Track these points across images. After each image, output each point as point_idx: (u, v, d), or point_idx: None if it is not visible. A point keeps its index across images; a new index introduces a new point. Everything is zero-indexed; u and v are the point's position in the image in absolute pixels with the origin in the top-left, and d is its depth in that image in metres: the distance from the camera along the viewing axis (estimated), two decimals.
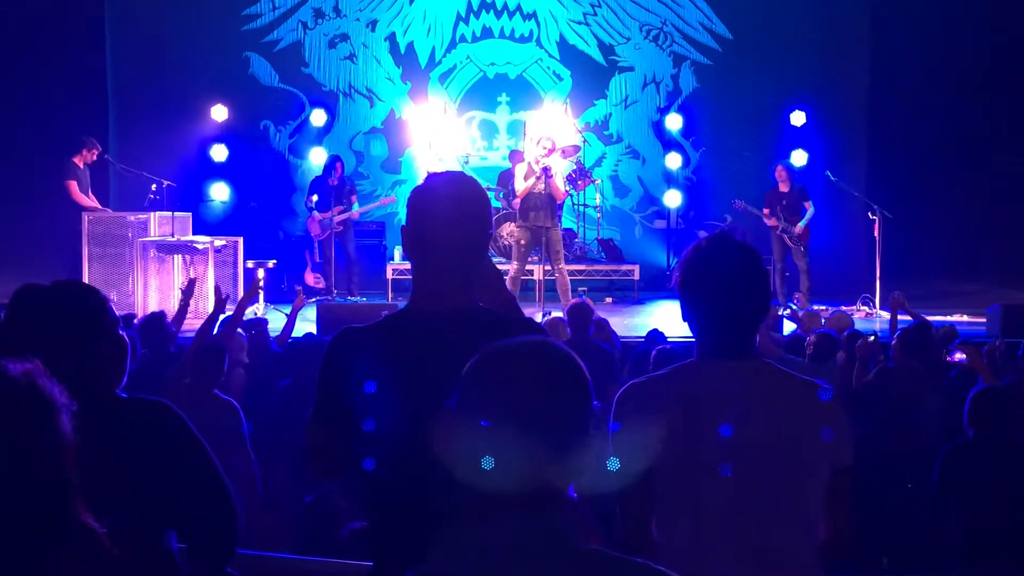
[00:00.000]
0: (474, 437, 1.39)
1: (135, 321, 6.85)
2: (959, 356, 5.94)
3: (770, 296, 2.26)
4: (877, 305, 10.52)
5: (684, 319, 2.24)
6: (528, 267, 10.09)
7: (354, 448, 2.07)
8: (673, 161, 13.25)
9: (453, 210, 2.11)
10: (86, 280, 9.67)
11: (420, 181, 2.24)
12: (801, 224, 10.81)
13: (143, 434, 2.12)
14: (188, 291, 6.62)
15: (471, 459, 1.39)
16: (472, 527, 1.40)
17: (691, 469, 2.09)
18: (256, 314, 9.50)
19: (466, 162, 13.18)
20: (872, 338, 6.55)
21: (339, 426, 2.08)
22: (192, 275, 7.40)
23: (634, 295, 12.00)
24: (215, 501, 2.19)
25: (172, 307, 9.45)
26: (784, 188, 11.00)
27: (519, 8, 13.60)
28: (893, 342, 6.19)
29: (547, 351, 1.46)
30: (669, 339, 6.50)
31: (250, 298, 6.63)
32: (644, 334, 7.31)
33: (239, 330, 6.41)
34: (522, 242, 9.32)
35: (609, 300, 11.85)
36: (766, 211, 10.97)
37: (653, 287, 12.35)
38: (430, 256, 2.13)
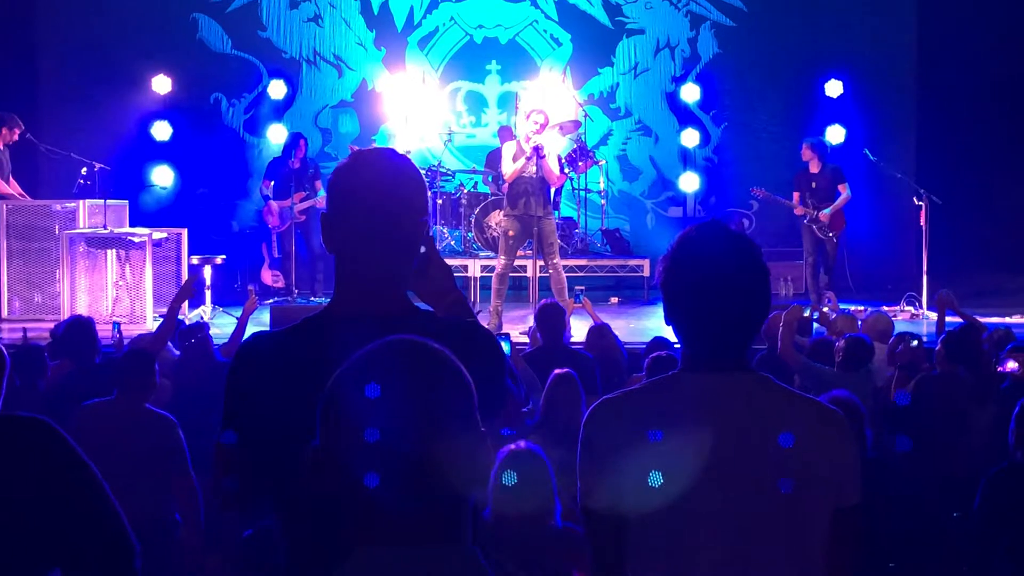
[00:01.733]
0: (346, 471, 1.42)
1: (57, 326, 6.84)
2: (1011, 365, 5.92)
3: (770, 297, 2.23)
4: (924, 304, 10.49)
5: (667, 322, 2.22)
6: (519, 262, 10.07)
7: (266, 476, 2.06)
8: (690, 138, 13.24)
9: (380, 194, 2.09)
10: (5, 280, 9.66)
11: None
12: (827, 211, 10.70)
13: (12, 458, 2.10)
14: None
15: (353, 490, 1.42)
16: (377, 559, 1.42)
17: (669, 502, 2.06)
18: (202, 318, 9.52)
19: (449, 140, 13.18)
20: (915, 343, 6.53)
21: (248, 450, 2.07)
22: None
23: (644, 295, 12.00)
24: (105, 538, 2.17)
25: (104, 310, 9.47)
26: (814, 169, 10.88)
27: None
28: (937, 347, 6.17)
29: (410, 350, 1.49)
30: (678, 347, 6.47)
31: (183, 298, 6.61)
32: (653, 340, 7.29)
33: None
34: (510, 233, 9.30)
35: (614, 300, 11.85)
36: (796, 195, 10.87)
37: None
38: (353, 249, 2.12)
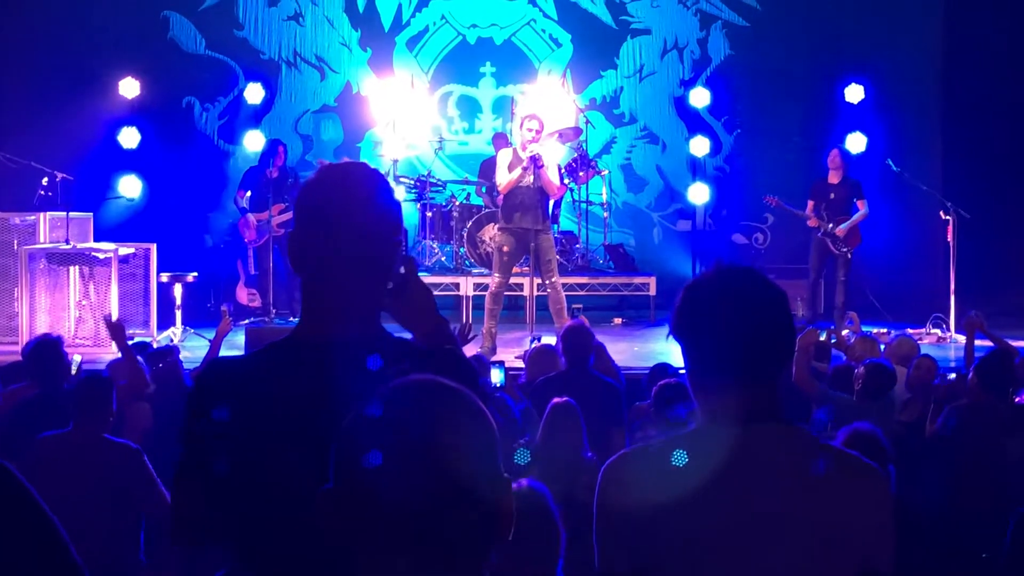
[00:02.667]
0: (364, 520, 1.43)
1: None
2: None
3: (794, 342, 2.25)
4: (952, 327, 10.52)
5: (686, 374, 2.22)
6: (515, 280, 10.07)
7: (225, 510, 2.07)
8: (700, 147, 13.26)
9: (350, 211, 2.10)
10: None
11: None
12: (843, 227, 10.83)
13: None
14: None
15: (368, 534, 1.43)
16: None
17: (691, 566, 2.07)
18: (172, 340, 9.50)
19: (440, 148, 13.20)
20: (952, 376, 6.52)
21: (206, 483, 2.07)
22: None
23: (650, 315, 11.99)
24: None
25: (66, 332, 9.45)
26: (834, 179, 11.04)
27: None
28: (970, 375, 6.16)
29: (432, 395, 1.49)
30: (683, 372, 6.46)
31: (118, 334, 6.54)
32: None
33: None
34: (505, 248, 9.30)
35: (618, 321, 11.85)
36: (811, 204, 10.99)
37: None
38: (320, 270, 2.13)
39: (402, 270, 2.23)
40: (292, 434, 2.00)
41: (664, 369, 6.62)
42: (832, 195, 10.97)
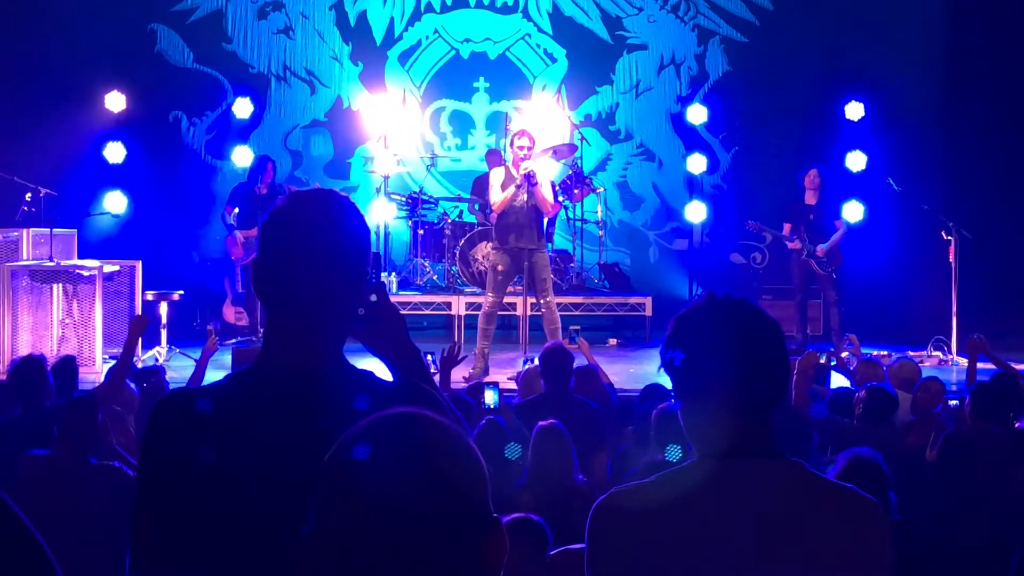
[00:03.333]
0: (347, 561, 1.41)
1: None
2: None
3: (790, 375, 2.26)
4: (953, 349, 10.55)
5: (677, 407, 2.22)
6: (508, 300, 10.07)
7: (184, 545, 2.05)
8: (697, 164, 13.30)
9: (315, 239, 2.11)
10: None
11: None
12: (824, 246, 10.93)
13: None
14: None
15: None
16: None
17: None
18: (157, 360, 9.50)
19: (432, 164, 13.22)
20: (955, 402, 6.54)
21: (165, 516, 2.06)
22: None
23: (646, 336, 12.01)
24: None
25: (48, 351, 9.43)
26: (811, 200, 11.14)
27: None
28: (967, 399, 6.18)
29: (417, 435, 1.48)
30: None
31: (137, 336, 6.60)
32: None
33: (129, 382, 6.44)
34: (499, 268, 9.31)
35: (613, 342, 11.86)
36: (787, 227, 11.08)
37: None
38: (284, 299, 2.13)
39: (373, 297, 2.23)
40: (256, 466, 1.99)
41: (656, 390, 6.61)
42: (811, 216, 11.08)
